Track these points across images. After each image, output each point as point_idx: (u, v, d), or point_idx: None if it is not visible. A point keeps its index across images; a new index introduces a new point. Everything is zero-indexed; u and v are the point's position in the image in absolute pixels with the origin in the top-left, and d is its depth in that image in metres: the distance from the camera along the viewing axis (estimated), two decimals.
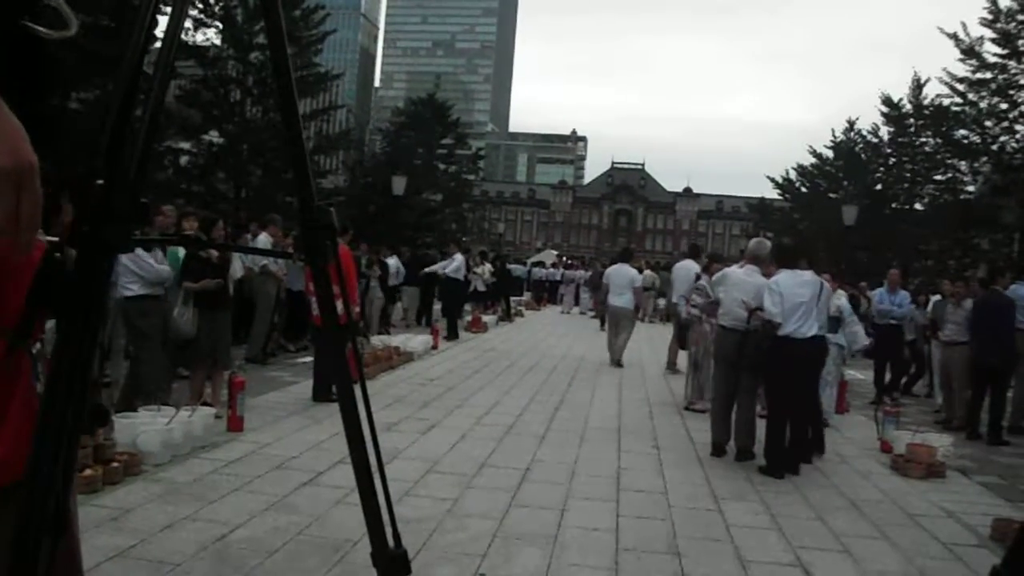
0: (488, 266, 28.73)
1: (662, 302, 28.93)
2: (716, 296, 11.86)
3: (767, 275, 9.64)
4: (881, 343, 14.67)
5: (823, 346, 9.19)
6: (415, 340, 17.35)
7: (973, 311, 12.47)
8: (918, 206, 44.41)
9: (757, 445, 9.28)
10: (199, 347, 9.64)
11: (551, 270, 45.87)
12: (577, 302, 38.70)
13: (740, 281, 9.83)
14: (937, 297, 14.89)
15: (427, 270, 23.06)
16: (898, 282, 15.50)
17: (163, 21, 1.59)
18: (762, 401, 10.09)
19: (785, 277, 9.08)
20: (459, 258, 22.18)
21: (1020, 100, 34.01)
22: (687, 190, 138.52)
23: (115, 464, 6.95)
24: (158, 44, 1.55)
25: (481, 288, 27.18)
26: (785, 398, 9.03)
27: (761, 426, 9.40)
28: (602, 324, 27.94)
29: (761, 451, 9.21)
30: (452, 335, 20.82)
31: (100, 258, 1.40)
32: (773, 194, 59.76)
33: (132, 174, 1.42)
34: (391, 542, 1.84)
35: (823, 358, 9.30)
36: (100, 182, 1.40)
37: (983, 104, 35.13)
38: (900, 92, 46.93)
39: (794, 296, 8.83)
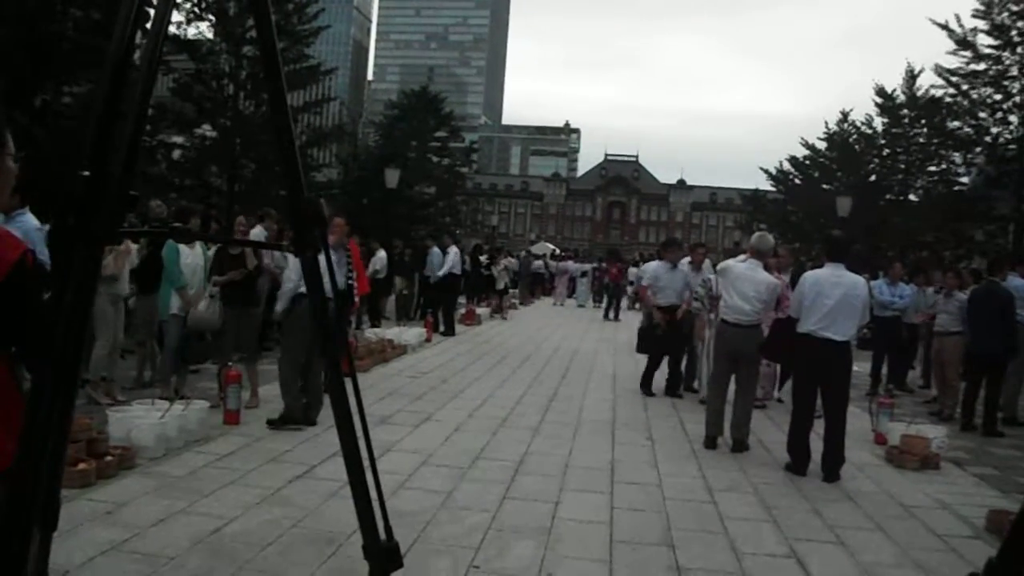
0: (511, 259, 29.30)
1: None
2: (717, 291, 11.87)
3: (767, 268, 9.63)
4: (880, 334, 14.65)
5: (846, 352, 8.72)
6: (409, 333, 17.35)
7: (970, 302, 12.45)
8: (912, 197, 44.38)
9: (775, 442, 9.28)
10: (224, 341, 9.73)
11: (539, 262, 45.71)
12: (571, 294, 38.84)
13: (743, 275, 9.69)
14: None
15: (431, 280, 22.09)
16: (900, 275, 15.52)
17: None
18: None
19: (822, 274, 8.87)
20: (454, 252, 21.93)
21: (1014, 91, 34.06)
22: (681, 182, 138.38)
23: (109, 458, 6.96)
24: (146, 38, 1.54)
25: (507, 282, 27.71)
26: (806, 397, 8.85)
27: (758, 417, 9.41)
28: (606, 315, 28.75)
29: (755, 443, 9.27)
30: (449, 331, 20.57)
31: (86, 249, 1.39)
32: (767, 186, 59.74)
33: (120, 166, 1.41)
34: (383, 535, 1.84)
35: (846, 364, 8.78)
36: (86, 174, 1.39)
37: (976, 95, 35.16)
38: (894, 83, 46.93)
39: (821, 295, 8.53)
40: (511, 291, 29.82)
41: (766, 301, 9.59)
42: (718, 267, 10.79)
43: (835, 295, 8.49)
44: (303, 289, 8.98)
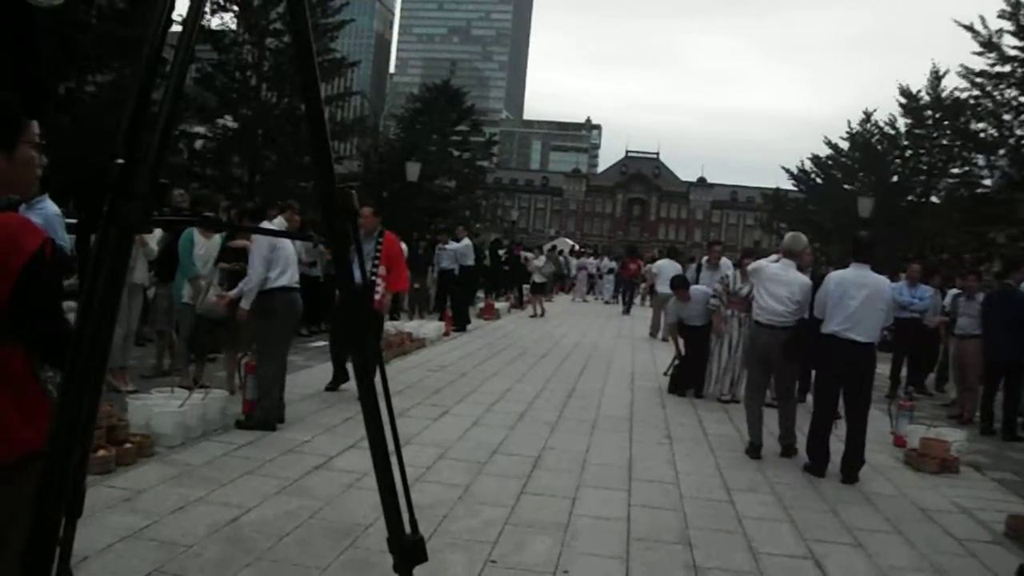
0: (543, 257, 29.55)
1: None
2: (742, 289, 11.78)
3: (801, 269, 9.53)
4: (900, 336, 14.57)
5: (870, 354, 8.63)
6: (427, 327, 17.39)
7: (984, 305, 12.37)
8: (934, 199, 44.12)
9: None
10: (227, 331, 9.68)
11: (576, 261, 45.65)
12: (591, 290, 39.05)
13: (775, 276, 9.45)
14: (954, 290, 14.90)
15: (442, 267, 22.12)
16: (918, 276, 15.39)
17: (181, 5, 1.58)
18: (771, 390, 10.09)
19: (847, 274, 8.72)
20: (464, 243, 21.76)
21: None
22: (701, 180, 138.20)
23: (129, 445, 6.99)
24: (177, 27, 1.54)
25: (539, 279, 27.88)
26: (828, 398, 8.75)
27: (773, 417, 9.36)
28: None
29: (774, 443, 9.21)
30: (460, 325, 20.35)
31: (119, 237, 1.39)
32: (788, 185, 59.61)
33: (152, 155, 1.41)
34: (408, 528, 1.83)
35: (870, 365, 8.73)
36: (120, 162, 1.39)
37: (1000, 96, 34.91)
38: (918, 84, 46.70)
39: (846, 296, 8.42)
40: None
41: (800, 302, 9.23)
42: (749, 267, 10.49)
43: (860, 296, 8.39)
44: (280, 282, 8.90)
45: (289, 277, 9.00)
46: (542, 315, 26.14)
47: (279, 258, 8.92)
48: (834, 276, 8.92)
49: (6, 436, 2.45)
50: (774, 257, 10.16)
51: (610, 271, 39.05)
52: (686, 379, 13.00)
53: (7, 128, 2.58)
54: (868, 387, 8.76)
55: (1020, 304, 11.78)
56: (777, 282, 9.39)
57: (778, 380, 9.57)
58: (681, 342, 13.37)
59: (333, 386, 10.90)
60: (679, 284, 13.30)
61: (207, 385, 9.24)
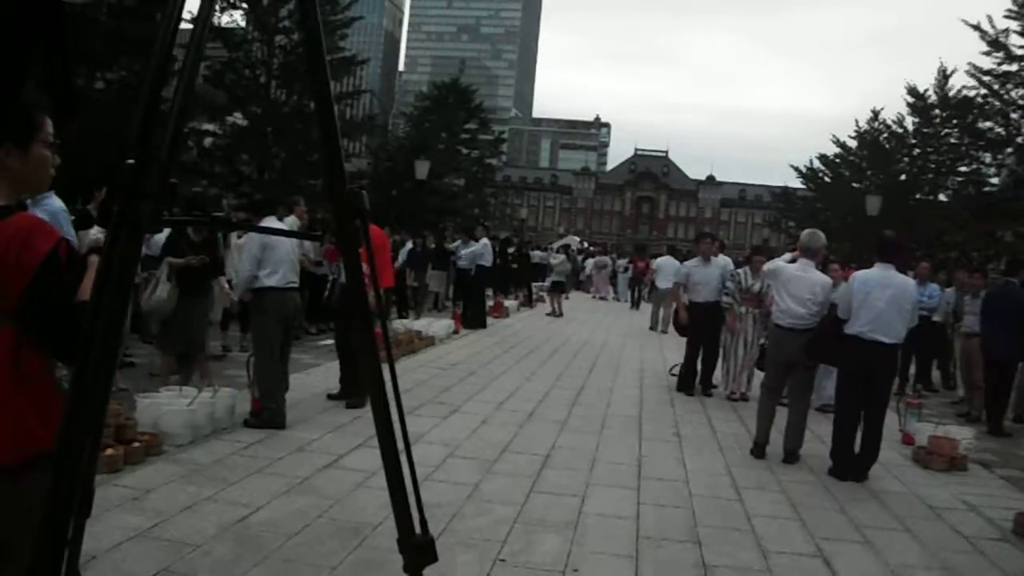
0: (562, 255, 29.73)
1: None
2: (754, 285, 11.75)
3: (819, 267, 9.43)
4: (909, 334, 14.50)
5: (894, 355, 8.58)
6: (437, 324, 17.35)
7: (984, 302, 12.36)
8: (942, 197, 44.02)
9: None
10: (171, 328, 9.45)
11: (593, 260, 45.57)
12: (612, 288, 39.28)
13: (795, 277, 9.24)
14: (950, 289, 14.93)
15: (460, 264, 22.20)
16: (928, 274, 15.34)
17: (192, 4, 1.58)
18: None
19: (872, 274, 8.58)
20: (483, 243, 21.64)
21: None
22: (710, 178, 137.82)
23: (137, 444, 6.99)
24: (187, 26, 1.54)
25: (557, 278, 28.49)
26: (853, 399, 8.59)
27: (782, 415, 9.31)
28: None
29: (803, 452, 9.04)
30: (478, 323, 20.20)
31: (130, 236, 1.39)
32: (796, 183, 59.53)
33: (164, 154, 1.41)
34: (418, 528, 1.83)
35: (892, 366, 8.72)
36: (131, 162, 1.39)
37: (1007, 95, 34.85)
38: (925, 83, 46.58)
39: (871, 297, 8.29)
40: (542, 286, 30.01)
41: (823, 303, 9.06)
42: (765, 268, 10.29)
43: (885, 296, 8.27)
44: (269, 282, 8.82)
45: (280, 278, 8.90)
46: (560, 315, 26.01)
47: (270, 258, 8.85)
48: (859, 276, 8.76)
49: (20, 436, 2.45)
50: (788, 256, 10.07)
51: (625, 270, 39.18)
52: (694, 375, 12.97)
53: (22, 128, 2.58)
54: (888, 387, 8.73)
55: (1019, 302, 11.75)
56: (798, 283, 9.19)
57: (794, 383, 9.31)
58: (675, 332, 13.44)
59: (339, 395, 10.27)
60: (703, 236, 13.42)
61: (214, 384, 9.22)
